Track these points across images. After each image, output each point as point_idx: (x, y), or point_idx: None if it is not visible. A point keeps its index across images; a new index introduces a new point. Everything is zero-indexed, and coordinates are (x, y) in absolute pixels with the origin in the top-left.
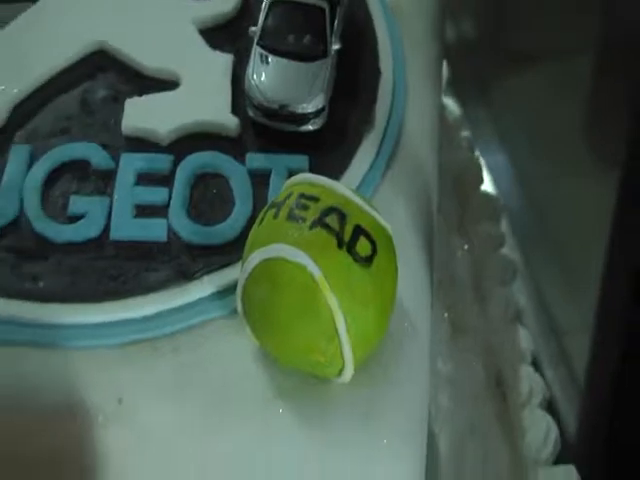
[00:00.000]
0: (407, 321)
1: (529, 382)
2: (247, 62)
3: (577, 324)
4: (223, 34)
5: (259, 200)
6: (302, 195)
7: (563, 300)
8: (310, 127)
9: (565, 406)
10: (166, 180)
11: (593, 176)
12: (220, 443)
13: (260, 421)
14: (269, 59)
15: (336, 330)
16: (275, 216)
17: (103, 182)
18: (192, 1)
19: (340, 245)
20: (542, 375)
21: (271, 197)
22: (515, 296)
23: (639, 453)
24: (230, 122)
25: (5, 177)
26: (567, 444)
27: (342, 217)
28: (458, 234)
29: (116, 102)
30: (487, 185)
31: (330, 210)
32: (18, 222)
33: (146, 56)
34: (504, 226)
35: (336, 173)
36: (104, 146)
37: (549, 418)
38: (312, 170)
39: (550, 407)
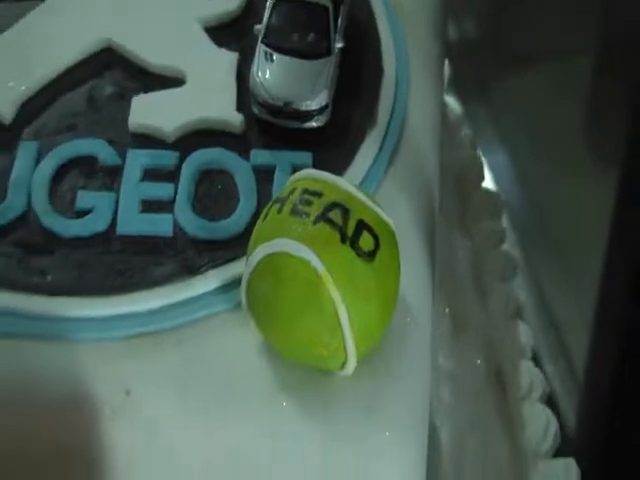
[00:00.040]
0: (409, 315)
1: (529, 376)
2: (252, 60)
3: (576, 319)
4: (228, 32)
5: (263, 196)
6: (306, 190)
7: (563, 296)
8: (314, 124)
9: (565, 401)
10: (172, 176)
11: (593, 176)
12: (224, 435)
13: (264, 413)
14: (273, 57)
15: (339, 324)
16: (279, 211)
17: (110, 178)
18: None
19: (343, 240)
20: (542, 370)
21: (275, 193)
22: (515, 292)
23: (638, 447)
24: (235, 119)
25: (13, 173)
26: (567, 438)
27: (345, 212)
28: (459, 231)
29: (122, 99)
30: (488, 183)
31: (333, 205)
32: (26, 217)
33: (152, 54)
34: (505, 223)
35: (339, 169)
36: (111, 142)
37: (549, 412)
38: (316, 166)
39: (550, 402)
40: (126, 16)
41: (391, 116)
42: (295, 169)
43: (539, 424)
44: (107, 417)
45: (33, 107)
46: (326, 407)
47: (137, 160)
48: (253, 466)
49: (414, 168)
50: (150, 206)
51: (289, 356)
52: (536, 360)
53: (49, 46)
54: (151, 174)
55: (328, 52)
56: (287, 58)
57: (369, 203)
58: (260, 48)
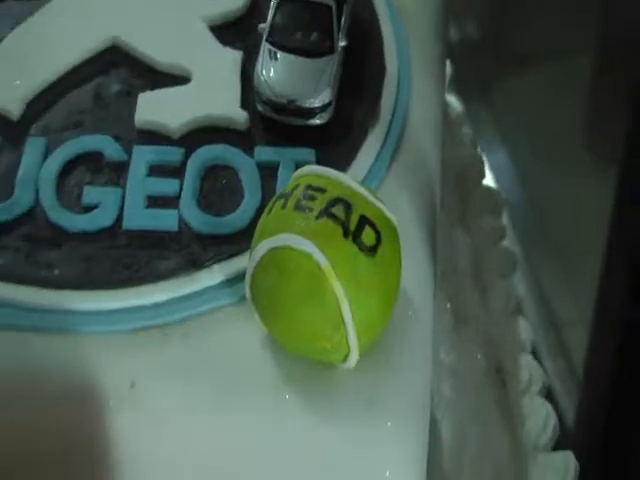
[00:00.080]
0: (410, 309)
1: (529, 370)
2: (256, 58)
3: (576, 318)
4: (233, 31)
5: (267, 192)
6: (309, 186)
7: (562, 295)
8: (317, 121)
9: (564, 397)
10: (177, 172)
11: (593, 175)
12: (228, 426)
13: (267, 405)
14: (277, 55)
15: (341, 317)
16: (283, 206)
17: (116, 173)
18: None
19: (346, 234)
20: (541, 366)
21: (279, 189)
22: (515, 288)
23: (635, 443)
24: (239, 116)
25: (21, 169)
26: (565, 434)
27: (348, 207)
28: (460, 227)
29: (129, 96)
30: (488, 182)
31: (336, 201)
32: (34, 212)
33: (158, 52)
34: (505, 220)
35: (342, 166)
36: (117, 139)
37: (548, 405)
38: (319, 163)
39: (549, 398)
40: (132, 15)
41: (393, 114)
42: (298, 166)
43: (538, 417)
44: (113, 409)
45: (41, 104)
46: (328, 399)
47: (143, 156)
48: (257, 457)
49: (416, 165)
50: (156, 201)
51: (292, 349)
52: (535, 357)
53: (56, 44)
54: (157, 170)
55: (331, 51)
56: (291, 56)
57: (371, 199)
58: (264, 46)
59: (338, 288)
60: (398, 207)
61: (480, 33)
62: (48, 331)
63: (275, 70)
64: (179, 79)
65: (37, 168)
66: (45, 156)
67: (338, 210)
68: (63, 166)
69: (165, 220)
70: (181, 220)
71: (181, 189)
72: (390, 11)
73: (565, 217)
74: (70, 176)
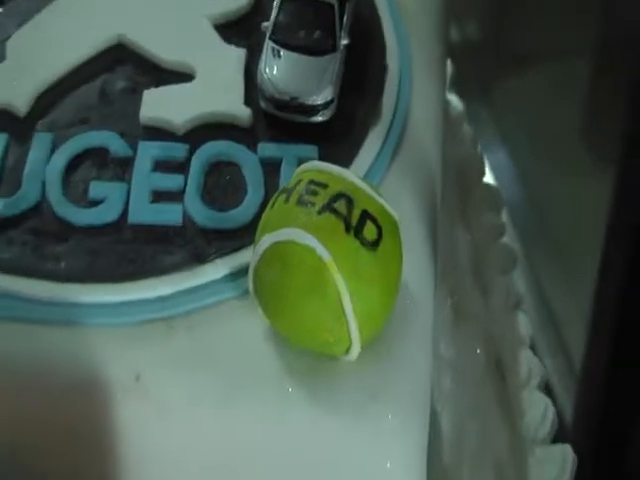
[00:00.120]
0: (411, 303)
1: (528, 365)
2: (259, 56)
3: (575, 316)
4: (237, 29)
5: (270, 187)
6: (312, 181)
7: (561, 293)
8: (319, 118)
9: (562, 393)
10: (182, 167)
11: (593, 175)
12: (232, 417)
13: (270, 397)
14: (281, 53)
15: (343, 310)
16: (286, 201)
17: (121, 169)
18: None
19: (348, 229)
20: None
21: (282, 184)
22: (515, 284)
23: (631, 437)
24: (243, 113)
25: (28, 164)
26: (564, 429)
27: (350, 202)
28: (460, 224)
29: (134, 93)
30: (488, 180)
31: (338, 196)
32: (40, 206)
33: (163, 50)
34: (504, 217)
35: (344, 163)
36: (122, 135)
37: (547, 399)
38: (321, 159)
39: (548, 393)
40: (137, 13)
41: (394, 111)
42: (301, 162)
43: (537, 411)
44: (119, 400)
45: (47, 100)
46: (330, 391)
47: (148, 152)
48: (260, 448)
49: (416, 162)
50: (160, 196)
51: (295, 341)
52: (535, 352)
53: (63, 42)
54: (161, 165)
55: (334, 49)
56: (294, 54)
57: (373, 194)
58: (268, 44)
59: (340, 282)
60: (399, 203)
61: (481, 34)
62: (54, 323)
63: (278, 68)
64: (184, 76)
65: (44, 163)
66: (52, 152)
67: (340, 205)
68: (69, 161)
69: (170, 215)
70: (185, 215)
71: (185, 184)
72: (391, 10)
73: (565, 217)
74: (76, 171)
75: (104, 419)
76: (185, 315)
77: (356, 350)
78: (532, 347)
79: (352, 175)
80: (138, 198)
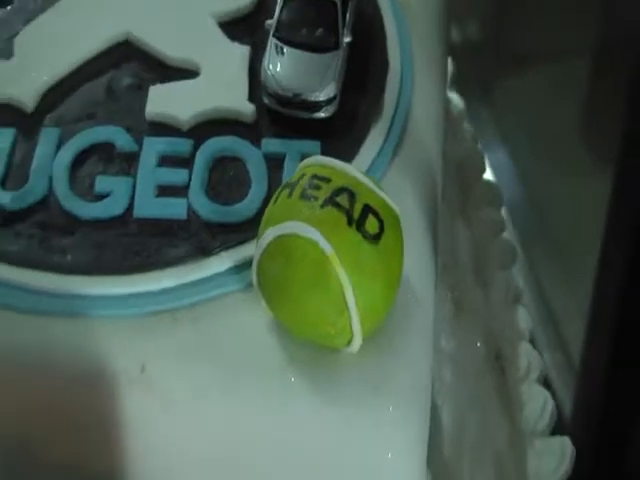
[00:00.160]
0: (412, 296)
1: (527, 358)
2: (263, 53)
3: (574, 313)
4: (241, 27)
5: (274, 182)
6: (314, 176)
7: (561, 291)
8: (322, 114)
9: (561, 389)
10: (186, 162)
11: (592, 175)
12: (235, 408)
13: (273, 388)
14: (284, 50)
15: (345, 303)
16: (289, 195)
17: (127, 164)
18: None
19: (350, 223)
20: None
21: (285, 179)
22: (515, 278)
23: (629, 432)
24: (247, 109)
25: (35, 158)
26: (563, 424)
27: (352, 196)
28: (461, 220)
29: (140, 89)
30: (489, 176)
31: (341, 190)
32: (47, 200)
33: (168, 47)
34: (504, 213)
35: (346, 158)
36: (128, 130)
37: (546, 392)
38: (324, 155)
39: (547, 389)
40: (144, 11)
41: (396, 108)
42: (304, 157)
43: (536, 404)
44: (124, 391)
45: (55, 96)
46: (332, 382)
47: (153, 147)
48: (263, 438)
49: (417, 158)
50: (165, 191)
51: (298, 333)
52: (534, 349)
53: (70, 38)
54: (166, 160)
55: (336, 46)
56: (297, 51)
57: (375, 189)
58: (271, 42)
59: (342, 275)
60: (400, 198)
61: (481, 34)
62: (60, 315)
63: (282, 65)
64: (188, 73)
65: (51, 158)
66: (59, 146)
67: (342, 199)
68: (76, 156)
69: (174, 209)
70: (190, 209)
71: (190, 179)
72: (393, 8)
73: (564, 216)
74: (83, 166)
75: (109, 410)
76: (190, 307)
77: (358, 342)
78: (532, 343)
79: (354, 170)
80: (143, 192)
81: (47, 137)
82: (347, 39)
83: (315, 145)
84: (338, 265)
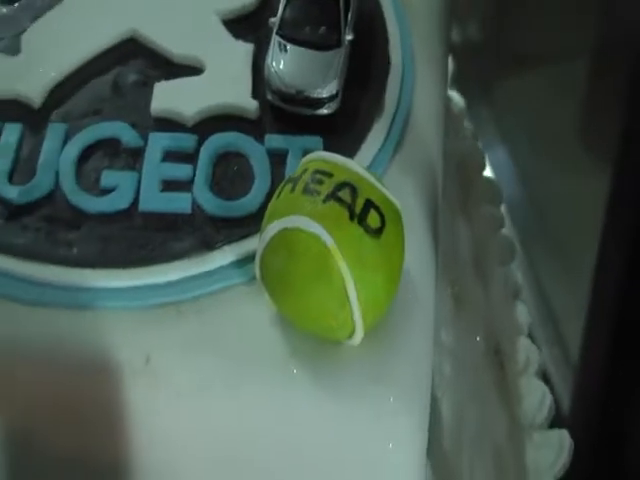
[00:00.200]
0: (413, 290)
1: (526, 352)
2: (267, 51)
3: (572, 310)
4: (245, 25)
5: (277, 177)
6: (317, 171)
7: (560, 288)
8: (324, 111)
9: (560, 384)
10: (191, 158)
11: (591, 174)
12: (239, 399)
13: (276, 379)
14: (287, 48)
15: (347, 296)
16: (292, 190)
17: (133, 159)
18: None
19: (352, 217)
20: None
21: (288, 175)
22: (514, 274)
23: (627, 427)
24: (250, 105)
25: (42, 153)
26: (561, 419)
27: (354, 191)
28: (461, 217)
29: (145, 86)
30: (489, 174)
31: (343, 185)
32: (54, 194)
33: (173, 44)
34: (504, 210)
35: (348, 154)
36: (134, 126)
37: (544, 386)
38: (326, 151)
39: (545, 384)
40: (149, 9)
41: (397, 105)
42: (306, 153)
43: (535, 397)
44: (129, 381)
45: (61, 92)
46: (334, 374)
47: (158, 142)
48: (265, 428)
49: (418, 155)
50: (170, 185)
51: (300, 326)
52: (533, 342)
53: (77, 35)
54: (171, 156)
55: (338, 44)
56: (300, 49)
57: (376, 184)
58: (275, 39)
59: (344, 268)
60: (401, 194)
61: (481, 35)
62: (66, 307)
63: (285, 62)
64: (193, 70)
65: (57, 153)
66: (65, 142)
67: (344, 194)
68: (82, 151)
69: (179, 203)
70: (194, 203)
71: (194, 174)
72: (395, 7)
73: (564, 214)
74: (89, 161)
75: (114, 401)
76: (194, 300)
77: (359, 335)
78: (531, 339)
79: (356, 165)
80: (148, 187)
81: (54, 132)
82: (349, 37)
83: (317, 141)
84: (340, 259)
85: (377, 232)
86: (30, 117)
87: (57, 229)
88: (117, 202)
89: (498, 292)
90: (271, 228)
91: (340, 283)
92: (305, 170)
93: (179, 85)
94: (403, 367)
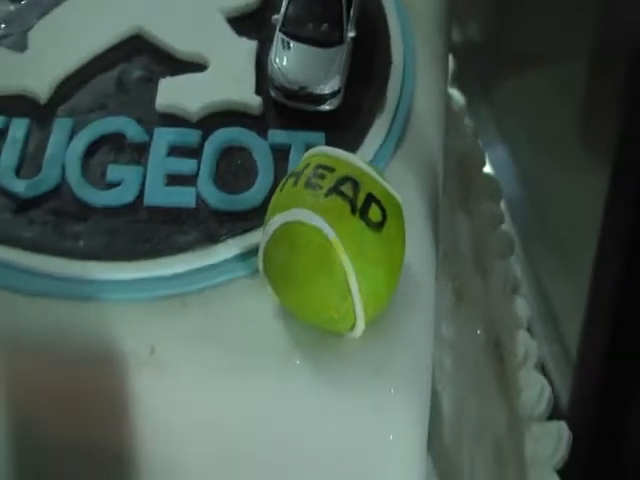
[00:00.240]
0: (414, 283)
1: (525, 346)
2: (270, 48)
3: (572, 307)
4: (248, 22)
5: (280, 172)
6: (319, 165)
7: (559, 286)
8: (327, 107)
9: (559, 382)
10: (195, 153)
11: (589, 172)
12: (242, 389)
13: (278, 370)
14: (290, 45)
15: (349, 289)
16: (294, 184)
17: (138, 153)
18: None
19: (353, 211)
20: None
21: (290, 169)
22: (513, 269)
23: (626, 423)
24: (254, 101)
25: (49, 148)
26: (559, 414)
27: (355, 185)
28: (462, 212)
29: (150, 82)
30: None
31: (345, 179)
32: (60, 188)
33: (178, 41)
34: (504, 212)
35: (350, 150)
36: (139, 121)
37: (543, 379)
38: (328, 146)
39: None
40: (154, 7)
41: (399, 102)
42: (309, 148)
43: (534, 390)
44: (135, 372)
45: (67, 88)
46: (336, 366)
47: (163, 137)
48: (268, 418)
49: (419, 151)
50: (175, 180)
51: (302, 318)
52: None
53: (83, 32)
54: (176, 150)
55: (341, 41)
56: (303, 46)
57: (378, 178)
58: (278, 36)
59: (346, 261)
60: (402, 188)
61: (482, 35)
62: (73, 299)
63: (288, 59)
64: (198, 67)
65: (64, 147)
66: (71, 136)
67: (346, 188)
68: (88, 146)
69: (183, 197)
70: (198, 197)
71: (199, 169)
72: (397, 4)
73: (563, 213)
74: (95, 155)
75: (119, 391)
76: (198, 292)
77: (361, 327)
78: (530, 334)
79: (358, 159)
80: (153, 181)
81: (60, 127)
82: (351, 34)
83: (320, 136)
84: (342, 252)
85: (378, 226)
86: (37, 112)
87: (64, 222)
88: (123, 196)
89: (498, 286)
90: (274, 221)
91: (342, 276)
92: (307, 165)
93: (184, 81)
94: (404, 359)
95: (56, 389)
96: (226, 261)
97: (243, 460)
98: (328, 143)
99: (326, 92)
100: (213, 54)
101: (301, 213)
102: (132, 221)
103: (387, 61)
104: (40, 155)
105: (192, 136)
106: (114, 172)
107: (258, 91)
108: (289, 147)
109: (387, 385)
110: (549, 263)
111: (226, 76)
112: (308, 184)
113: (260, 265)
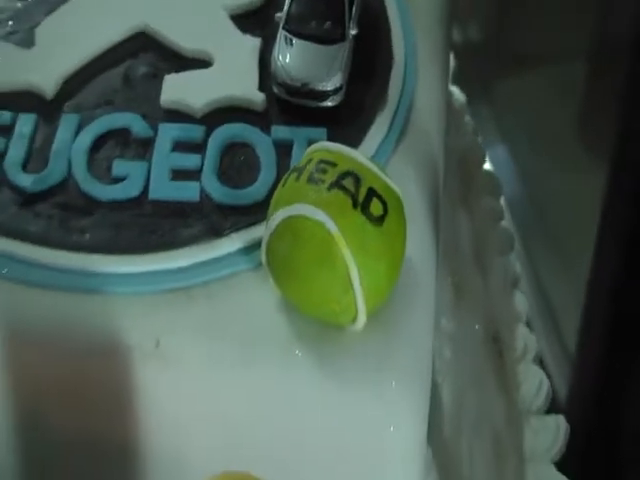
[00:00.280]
0: (414, 277)
1: (524, 340)
2: (273, 45)
3: (571, 304)
4: (252, 20)
5: (282, 167)
6: (321, 160)
7: (559, 284)
8: (329, 103)
9: (557, 377)
10: (199, 148)
11: (588, 171)
12: (245, 381)
13: (281, 362)
14: (293, 42)
15: (350, 282)
16: (297, 179)
17: (143, 149)
18: None
19: (355, 205)
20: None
21: (293, 164)
22: (512, 264)
23: (623, 418)
24: (257, 98)
25: (55, 143)
26: (558, 410)
27: (357, 180)
28: (462, 208)
29: (155, 78)
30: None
31: (346, 174)
32: (67, 183)
33: (183, 38)
34: (504, 205)
35: (352, 146)
36: (144, 117)
37: (541, 372)
38: (330, 141)
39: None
40: (160, 4)
41: (400, 98)
42: (311, 144)
43: (532, 384)
44: (140, 364)
45: (74, 84)
46: (337, 357)
47: (168, 133)
48: (271, 410)
49: (420, 146)
50: (179, 175)
51: (304, 311)
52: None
53: (90, 29)
54: (180, 146)
55: (343, 38)
56: (305, 43)
57: (379, 173)
58: (281, 34)
59: (347, 255)
60: (403, 184)
61: (482, 35)
62: (79, 292)
63: (291, 56)
64: (202, 63)
65: (70, 143)
66: (77, 132)
67: (348, 183)
68: (94, 141)
69: (188, 191)
70: (203, 192)
71: (203, 164)
72: (398, 2)
73: (562, 211)
74: (100, 150)
75: (124, 383)
76: (203, 285)
77: (362, 320)
78: (528, 329)
79: (359, 155)
80: (158, 176)
81: (67, 123)
82: (353, 32)
83: (322, 132)
84: (344, 246)
85: (379, 220)
86: (43, 108)
87: (70, 216)
88: (128, 190)
89: (497, 282)
90: (277, 216)
91: (343, 269)
92: (310, 160)
93: (188, 78)
94: (405, 352)
95: (62, 382)
96: (230, 254)
97: (245, 450)
98: (330, 139)
99: (328, 89)
100: (217, 51)
101: (304, 207)
102: (137, 215)
103: (388, 58)
104: (46, 150)
105: (196, 132)
106: (119, 167)
107: (261, 88)
108: (292, 143)
109: (388, 378)
110: (548, 260)
111: (230, 73)
112: (310, 179)
113: (263, 258)
